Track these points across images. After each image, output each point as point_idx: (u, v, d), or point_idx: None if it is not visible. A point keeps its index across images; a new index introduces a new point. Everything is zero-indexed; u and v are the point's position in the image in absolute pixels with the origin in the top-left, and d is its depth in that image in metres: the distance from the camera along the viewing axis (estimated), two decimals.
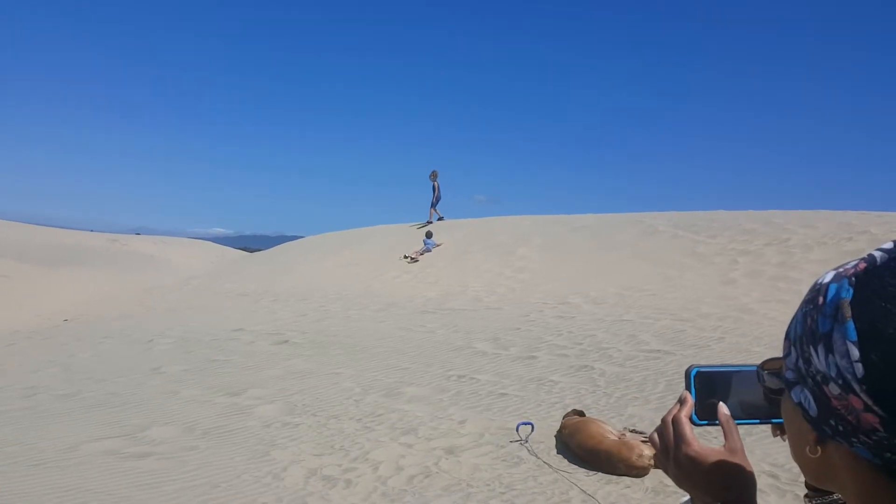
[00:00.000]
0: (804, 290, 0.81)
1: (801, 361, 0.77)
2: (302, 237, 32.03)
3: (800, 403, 0.78)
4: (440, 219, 21.17)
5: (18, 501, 4.40)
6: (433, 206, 21.15)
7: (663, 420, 0.98)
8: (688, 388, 0.98)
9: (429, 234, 19.05)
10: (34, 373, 8.94)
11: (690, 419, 0.96)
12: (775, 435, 0.98)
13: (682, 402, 0.97)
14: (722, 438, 0.95)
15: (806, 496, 0.97)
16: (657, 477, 4.43)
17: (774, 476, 4.23)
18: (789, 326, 0.81)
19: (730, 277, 10.94)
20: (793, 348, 0.79)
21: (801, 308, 0.79)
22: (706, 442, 0.95)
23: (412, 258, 17.91)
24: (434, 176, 21.01)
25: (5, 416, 6.65)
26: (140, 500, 4.37)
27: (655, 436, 0.99)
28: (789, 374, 0.80)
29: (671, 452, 0.96)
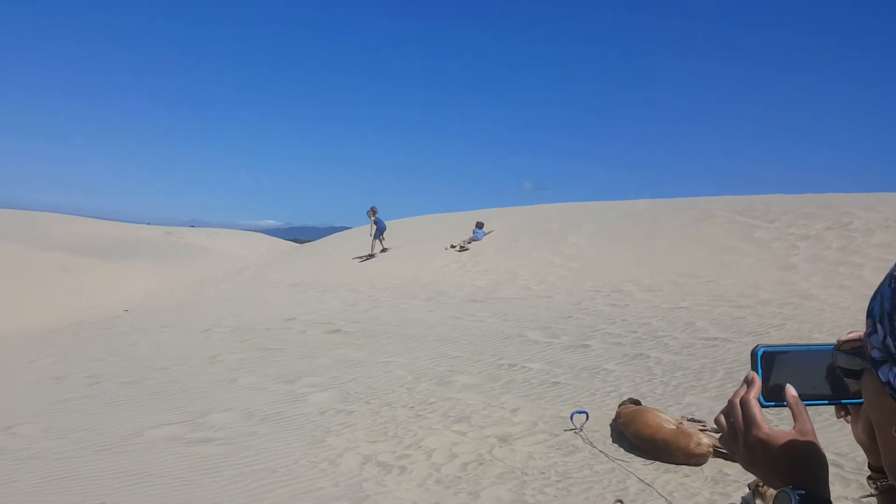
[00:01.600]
0: (867, 274, 0.77)
1: (889, 339, 0.73)
2: (350, 228, 32.31)
3: (888, 382, 0.75)
4: (384, 250, 20.29)
5: (86, 485, 4.55)
6: (375, 237, 20.30)
7: (731, 402, 0.95)
8: (754, 368, 0.95)
9: (479, 224, 19.00)
10: (97, 361, 9.24)
11: (758, 401, 0.94)
12: (839, 416, 0.96)
13: (749, 383, 0.94)
14: (785, 421, 0.92)
15: (869, 478, 0.93)
16: (716, 465, 4.34)
17: (838, 465, 4.10)
18: (871, 304, 0.78)
19: (789, 263, 10.63)
20: (879, 325, 0.75)
21: (886, 283, 0.75)
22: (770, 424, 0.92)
23: (461, 247, 17.91)
24: (372, 212, 20.41)
25: (72, 403, 6.89)
26: (203, 484, 4.47)
27: (722, 418, 0.97)
28: (875, 353, 0.77)
29: (740, 436, 0.94)
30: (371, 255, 19.92)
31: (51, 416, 6.43)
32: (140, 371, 8.20)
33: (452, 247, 18.22)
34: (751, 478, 4.12)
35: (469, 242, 18.21)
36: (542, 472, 4.42)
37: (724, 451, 4.59)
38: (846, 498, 3.79)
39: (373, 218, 20.20)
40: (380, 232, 20.33)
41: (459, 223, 21.23)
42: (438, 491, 4.22)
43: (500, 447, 4.87)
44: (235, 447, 5.21)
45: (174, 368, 8.17)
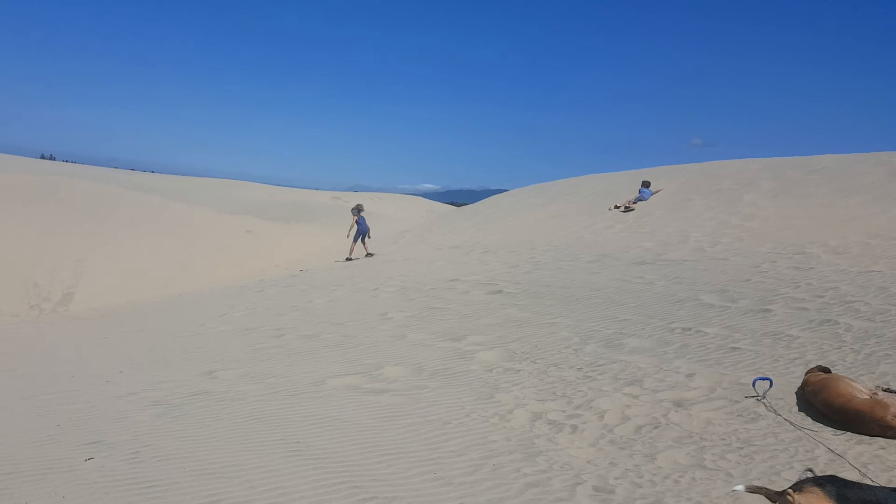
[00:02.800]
0: None
1: None
2: (506, 190, 32.46)
3: None
4: (369, 255, 18.84)
5: (281, 426, 4.96)
6: (355, 239, 18.90)
7: None
8: None
9: (645, 184, 18.35)
10: (280, 316, 9.98)
11: None
12: None
13: None
14: None
15: None
16: None
17: None
18: None
19: None
20: None
21: None
22: None
23: (626, 207, 17.42)
24: (356, 210, 19.05)
25: (263, 353, 7.52)
26: (383, 430, 4.74)
27: None
28: None
29: None
30: (350, 259, 18.65)
31: (245, 363, 7.06)
32: (318, 326, 8.77)
33: (616, 207, 17.77)
34: None
35: (634, 203, 17.66)
36: (723, 439, 4.25)
37: None
38: None
39: (355, 217, 18.90)
40: (360, 234, 18.99)
41: (623, 183, 20.64)
42: (613, 451, 4.19)
43: (676, 411, 4.73)
44: (409, 398, 5.45)
45: (348, 324, 8.65)
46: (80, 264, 18.97)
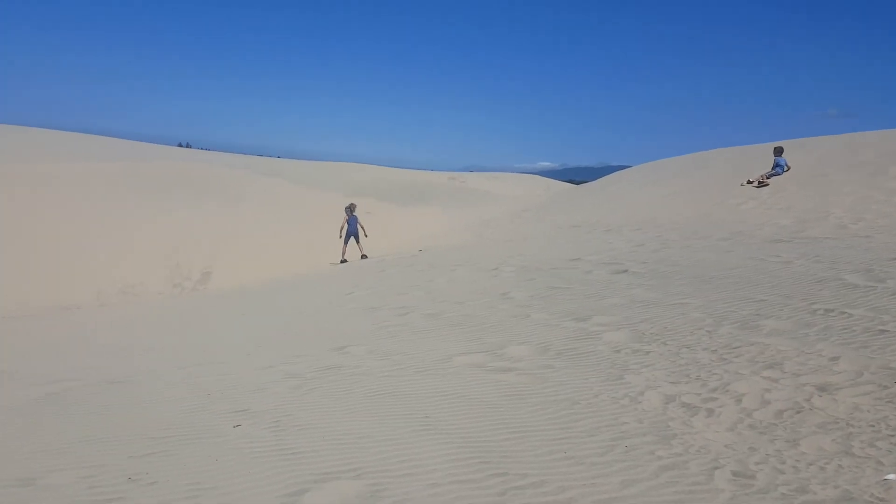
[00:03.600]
0: None
1: None
2: (628, 167, 31.56)
3: None
4: (363, 257, 17.87)
5: (409, 401, 5.09)
6: (346, 240, 17.95)
7: None
8: None
9: (778, 151, 17.27)
10: (403, 294, 10.20)
11: None
12: None
13: None
14: None
15: None
16: None
17: None
18: None
19: None
20: None
21: None
22: None
23: (759, 182, 16.52)
24: (349, 209, 18.07)
25: (387, 331, 7.72)
26: (511, 409, 4.75)
27: None
28: None
29: None
30: (344, 261, 18.07)
31: (372, 340, 7.27)
32: (440, 305, 8.89)
33: (749, 182, 16.89)
34: None
35: (769, 177, 16.71)
36: (871, 425, 3.96)
37: None
38: None
39: (346, 217, 18.24)
40: (350, 234, 18.28)
41: (754, 157, 19.53)
42: (752, 436, 4.00)
43: (820, 396, 4.45)
44: (535, 378, 5.42)
45: (469, 303, 8.71)
46: (216, 245, 20.20)
